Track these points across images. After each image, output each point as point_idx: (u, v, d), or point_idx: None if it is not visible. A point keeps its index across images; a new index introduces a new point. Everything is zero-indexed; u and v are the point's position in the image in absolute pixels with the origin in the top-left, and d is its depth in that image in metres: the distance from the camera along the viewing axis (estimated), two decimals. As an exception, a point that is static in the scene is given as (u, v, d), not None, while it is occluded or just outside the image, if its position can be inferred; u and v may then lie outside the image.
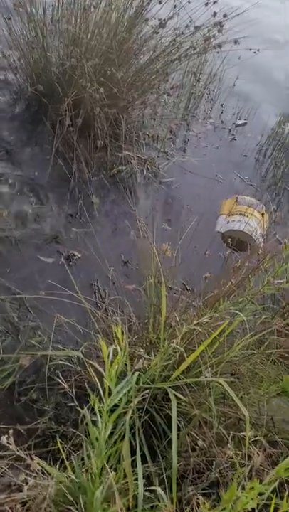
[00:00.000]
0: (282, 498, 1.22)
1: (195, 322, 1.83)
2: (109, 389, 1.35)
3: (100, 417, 1.35)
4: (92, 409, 1.41)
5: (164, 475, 1.74)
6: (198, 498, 1.34)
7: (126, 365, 1.76)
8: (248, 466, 1.48)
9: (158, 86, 3.82)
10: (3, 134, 3.61)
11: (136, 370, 1.73)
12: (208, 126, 4.70)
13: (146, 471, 1.75)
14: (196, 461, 1.79)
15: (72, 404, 2.00)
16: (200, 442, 1.77)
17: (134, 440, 1.69)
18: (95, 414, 1.40)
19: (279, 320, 2.14)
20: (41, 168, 3.44)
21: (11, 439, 1.52)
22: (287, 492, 1.21)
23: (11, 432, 1.52)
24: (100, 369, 1.36)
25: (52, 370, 2.22)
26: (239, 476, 1.36)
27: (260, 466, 1.50)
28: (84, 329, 2.38)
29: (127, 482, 1.52)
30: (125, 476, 1.53)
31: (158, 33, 3.54)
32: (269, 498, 1.20)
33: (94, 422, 1.43)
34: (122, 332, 1.33)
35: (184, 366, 1.81)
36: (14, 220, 3.05)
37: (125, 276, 2.93)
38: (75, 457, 1.60)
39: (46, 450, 1.97)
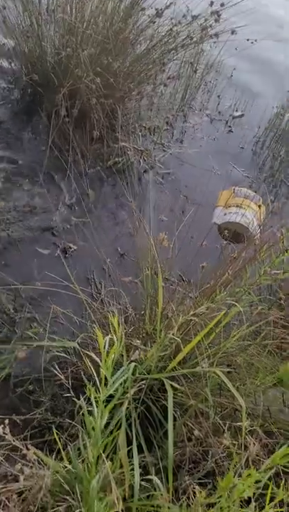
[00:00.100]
0: (278, 488, 1.22)
1: (191, 313, 1.82)
2: (106, 379, 1.35)
3: (96, 406, 1.35)
4: (89, 399, 1.40)
5: (161, 465, 1.74)
6: (194, 488, 1.34)
7: (122, 355, 1.76)
8: (244, 456, 1.48)
9: (154, 76, 3.80)
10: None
11: (132, 361, 1.73)
12: (204, 118, 4.68)
13: (143, 461, 1.75)
14: (192, 451, 1.80)
15: (68, 395, 2.00)
16: (196, 432, 1.77)
17: (131, 431, 1.69)
18: (91, 404, 1.40)
19: (275, 311, 2.14)
20: (37, 160, 3.42)
21: (7, 429, 1.52)
22: (283, 481, 1.21)
23: (6, 422, 1.51)
24: (97, 359, 1.35)
25: (48, 361, 2.22)
26: (235, 465, 1.36)
27: (256, 455, 1.50)
28: (80, 320, 2.37)
29: (123, 472, 1.52)
30: (121, 466, 1.53)
31: (155, 22, 3.51)
32: (265, 487, 1.20)
33: (90, 413, 1.42)
34: (118, 322, 1.33)
35: (180, 357, 1.81)
36: (9, 211, 3.03)
37: (122, 269, 2.92)
38: (72, 447, 1.59)
39: (42, 440, 1.97)
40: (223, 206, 3.50)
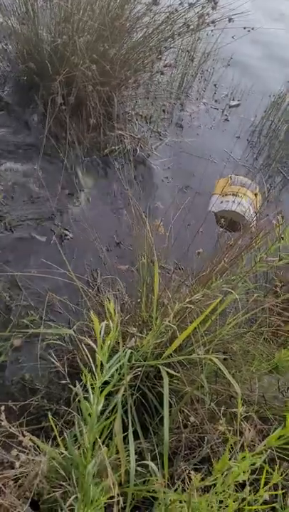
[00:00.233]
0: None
1: (187, 300, 1.82)
2: (102, 365, 1.35)
3: (92, 392, 1.35)
4: (85, 386, 1.41)
5: (156, 451, 1.75)
6: (189, 472, 1.34)
7: (118, 343, 1.76)
8: (239, 441, 1.49)
9: (151, 64, 3.77)
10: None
11: (128, 348, 1.73)
12: (201, 106, 4.66)
13: (139, 447, 1.76)
14: (188, 437, 1.81)
15: (64, 382, 2.01)
16: (192, 418, 1.78)
17: (127, 417, 1.69)
18: (87, 391, 1.40)
19: (271, 298, 2.15)
20: (34, 147, 3.41)
21: (3, 416, 1.52)
22: (278, 465, 1.22)
23: (2, 408, 1.52)
24: (93, 345, 1.35)
25: (44, 349, 2.22)
26: (231, 449, 1.37)
27: (252, 441, 1.50)
28: (76, 307, 2.38)
29: (119, 458, 1.53)
30: (118, 452, 1.54)
31: (151, 10, 3.48)
32: (260, 472, 1.21)
33: (86, 399, 1.43)
34: (114, 308, 1.33)
35: (176, 343, 1.81)
36: (7, 199, 3.02)
37: (118, 257, 2.92)
38: (68, 433, 1.60)
39: (39, 427, 1.97)
40: (219, 194, 3.50)
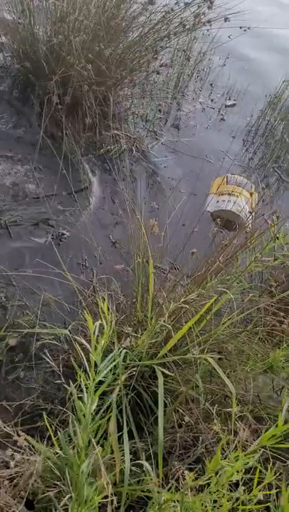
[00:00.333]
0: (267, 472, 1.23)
1: (182, 300, 1.83)
2: (96, 365, 1.35)
3: (86, 392, 1.35)
4: (80, 386, 1.41)
5: (151, 451, 1.75)
6: (183, 472, 1.35)
7: (113, 343, 1.77)
8: (233, 441, 1.49)
9: (147, 64, 3.77)
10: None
11: (123, 348, 1.73)
12: (197, 106, 4.66)
13: (134, 447, 1.76)
14: (182, 437, 1.81)
15: (59, 381, 2.01)
16: (186, 418, 1.78)
17: (122, 417, 1.70)
18: (82, 391, 1.41)
19: (266, 298, 2.15)
20: (30, 147, 3.40)
21: (-2, 416, 1.53)
22: (271, 464, 1.22)
23: (-3, 408, 1.52)
24: (87, 345, 1.35)
25: (39, 348, 2.22)
26: (223, 447, 1.37)
27: (246, 441, 1.51)
28: (71, 307, 2.38)
29: (114, 457, 1.53)
30: (112, 452, 1.54)
31: (147, 9, 3.48)
32: (254, 471, 1.21)
33: (81, 399, 1.43)
34: (109, 308, 1.33)
35: (171, 343, 1.81)
36: (3, 199, 3.02)
37: (114, 256, 2.92)
38: (62, 433, 1.60)
39: (34, 427, 1.97)
40: (215, 194, 3.50)
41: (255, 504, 1.27)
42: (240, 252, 2.03)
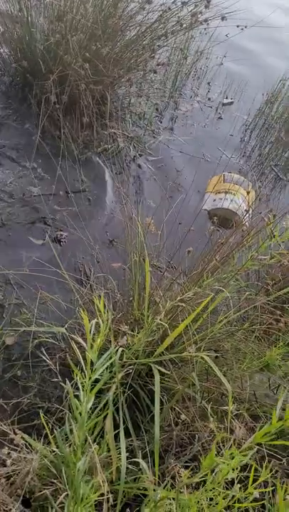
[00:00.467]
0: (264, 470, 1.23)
1: (178, 298, 1.83)
2: (92, 363, 1.35)
3: (83, 390, 1.35)
4: (76, 384, 1.41)
5: (148, 449, 1.75)
6: (179, 469, 1.35)
7: (110, 341, 1.77)
8: (230, 439, 1.50)
9: (144, 63, 3.78)
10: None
11: (120, 347, 1.73)
12: (195, 105, 4.67)
13: (130, 445, 1.77)
14: (179, 435, 1.81)
15: (56, 380, 2.01)
16: (183, 416, 1.78)
17: (118, 415, 1.70)
18: (78, 389, 1.41)
19: (263, 296, 2.15)
20: (27, 147, 3.40)
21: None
22: (266, 461, 1.23)
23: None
24: (83, 343, 1.35)
25: (36, 346, 2.23)
26: (219, 445, 1.38)
27: (242, 439, 1.51)
28: (68, 305, 2.38)
29: (110, 455, 1.53)
30: (109, 450, 1.54)
31: (144, 8, 3.48)
32: (250, 469, 1.21)
33: (77, 397, 1.43)
34: (105, 305, 1.33)
35: (168, 341, 1.82)
36: (0, 199, 3.02)
37: (111, 255, 2.92)
38: (59, 431, 1.60)
39: (31, 425, 1.97)
40: (212, 192, 3.50)
41: (250, 502, 1.28)
42: (236, 251, 2.03)
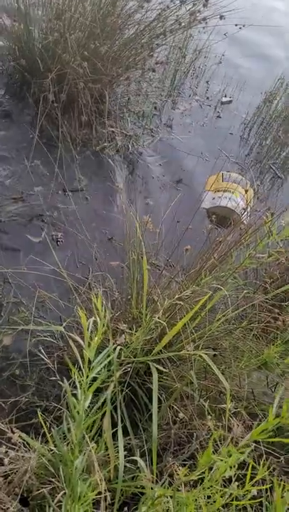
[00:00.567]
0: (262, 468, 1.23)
1: (176, 296, 1.83)
2: (90, 361, 1.35)
3: (80, 388, 1.35)
4: (75, 383, 1.41)
5: (146, 448, 1.75)
6: (177, 467, 1.35)
7: (108, 340, 1.77)
8: (228, 437, 1.50)
9: (143, 61, 3.77)
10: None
11: (118, 345, 1.73)
12: (193, 103, 4.66)
13: (128, 443, 1.77)
14: (177, 433, 1.81)
15: (54, 378, 2.01)
16: (181, 414, 1.78)
17: (116, 413, 1.70)
18: (76, 387, 1.41)
19: (261, 295, 2.16)
20: (25, 146, 3.40)
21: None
22: (263, 459, 1.23)
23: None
24: (81, 342, 1.35)
25: (34, 345, 2.23)
26: (217, 442, 1.38)
27: (240, 437, 1.51)
28: (67, 304, 2.38)
29: (108, 454, 1.53)
30: (107, 448, 1.54)
31: (143, 7, 3.48)
32: (247, 467, 1.21)
33: (75, 396, 1.43)
34: (102, 303, 1.33)
35: (166, 340, 1.82)
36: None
37: (110, 253, 2.92)
38: (57, 429, 1.60)
39: (29, 424, 1.97)
40: (211, 191, 3.51)
41: (248, 500, 1.28)
42: (234, 249, 2.03)
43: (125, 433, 1.74)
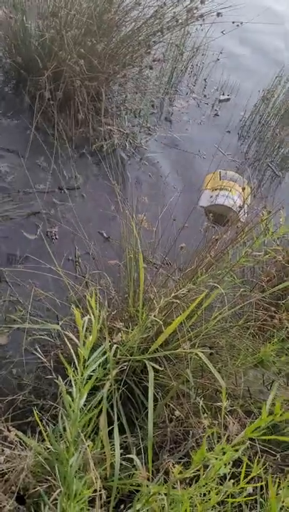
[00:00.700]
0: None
1: (173, 295, 1.83)
2: (85, 360, 1.35)
3: (75, 386, 1.35)
4: (71, 381, 1.41)
5: (142, 445, 1.76)
6: (172, 465, 1.35)
7: (104, 338, 1.77)
8: (224, 435, 1.50)
9: (140, 59, 3.76)
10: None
11: (114, 343, 1.73)
12: (191, 101, 4.65)
13: (124, 441, 1.77)
14: (173, 431, 1.81)
15: (50, 377, 2.01)
16: (177, 412, 1.79)
17: (113, 411, 1.70)
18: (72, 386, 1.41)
19: (257, 293, 2.16)
20: (21, 144, 3.39)
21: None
22: (258, 457, 1.23)
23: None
24: (76, 340, 1.35)
25: (31, 343, 2.23)
26: (216, 441, 1.38)
27: (236, 435, 1.51)
28: (63, 302, 2.38)
29: (104, 452, 1.54)
30: (103, 446, 1.54)
31: (140, 3, 3.47)
32: (239, 463, 1.21)
33: (71, 394, 1.43)
34: (97, 301, 1.33)
35: (162, 338, 1.82)
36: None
37: (106, 252, 2.92)
38: (53, 428, 1.60)
39: (25, 422, 1.97)
40: (208, 189, 3.50)
41: (244, 497, 1.28)
42: (230, 247, 2.03)
43: (121, 431, 1.74)
